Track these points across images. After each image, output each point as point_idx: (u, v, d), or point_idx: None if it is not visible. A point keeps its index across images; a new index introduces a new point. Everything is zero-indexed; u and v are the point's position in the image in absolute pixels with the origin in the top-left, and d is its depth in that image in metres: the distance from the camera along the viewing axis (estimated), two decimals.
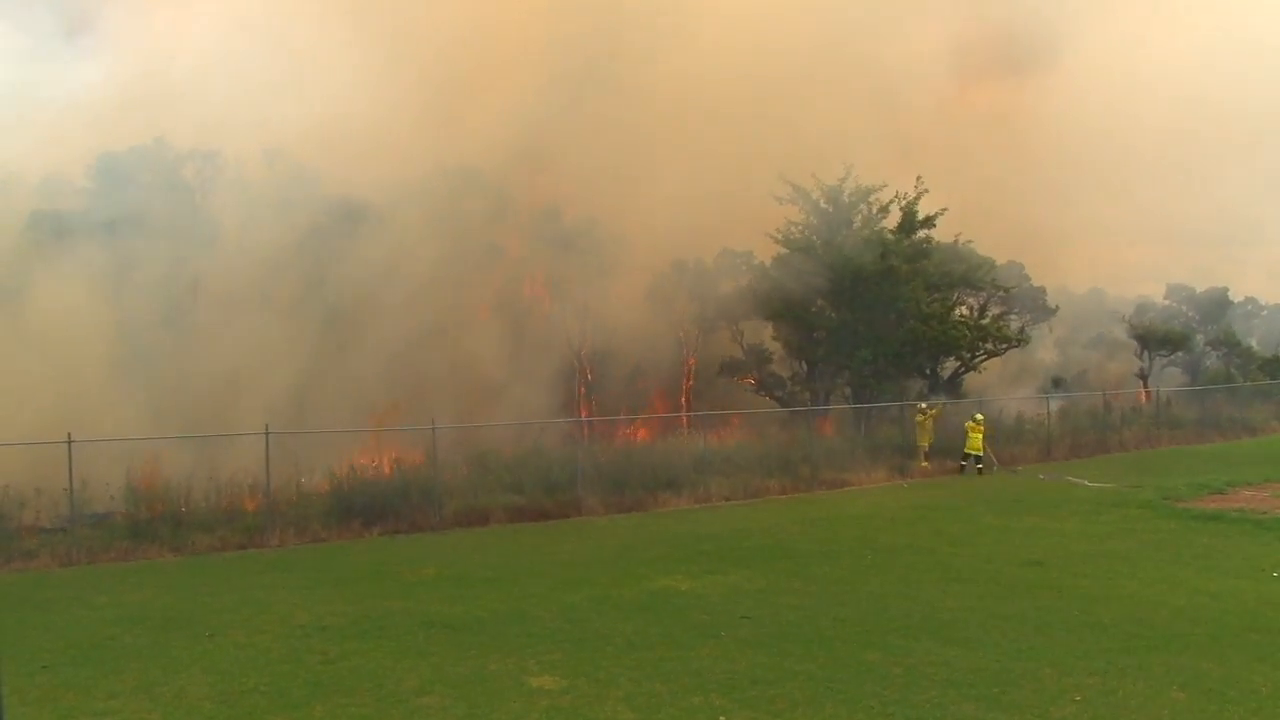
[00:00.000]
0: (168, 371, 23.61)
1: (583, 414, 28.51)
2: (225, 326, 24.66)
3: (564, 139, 32.76)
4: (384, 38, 32.81)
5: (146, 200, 25.55)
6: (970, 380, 34.79)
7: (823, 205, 31.60)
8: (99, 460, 18.21)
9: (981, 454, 27.87)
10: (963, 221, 32.63)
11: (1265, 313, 54.49)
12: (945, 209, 31.43)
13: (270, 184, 27.75)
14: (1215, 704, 8.59)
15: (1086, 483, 25.05)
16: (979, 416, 28.52)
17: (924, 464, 28.34)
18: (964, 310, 34.84)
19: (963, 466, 27.96)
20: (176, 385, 23.28)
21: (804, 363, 32.86)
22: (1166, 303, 48.04)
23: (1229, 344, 47.37)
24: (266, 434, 19.12)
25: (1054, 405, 35.91)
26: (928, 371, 33.14)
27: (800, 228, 31.82)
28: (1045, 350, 45.89)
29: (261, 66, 29.30)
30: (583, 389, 31.08)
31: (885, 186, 31.60)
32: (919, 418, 28.70)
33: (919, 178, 31.22)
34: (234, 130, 27.76)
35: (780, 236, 31.67)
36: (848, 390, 32.57)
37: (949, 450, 28.79)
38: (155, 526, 18.50)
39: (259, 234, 25.92)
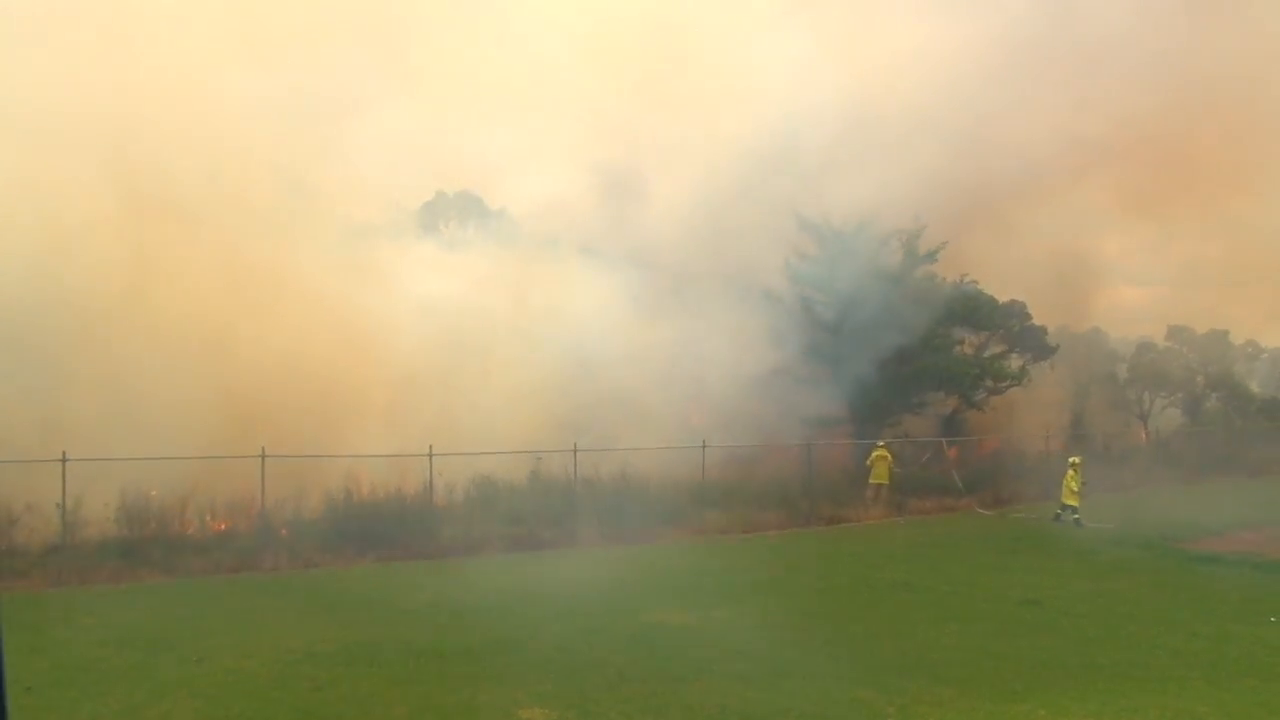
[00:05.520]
0: None
1: None
2: None
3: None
4: None
5: None
6: (974, 419, 34.68)
7: (829, 238, 31.77)
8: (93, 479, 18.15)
9: (1077, 505, 25.23)
10: (966, 260, 32.78)
11: (1266, 355, 54.48)
12: (946, 243, 31.59)
13: None
14: None
15: (1086, 522, 24.94)
16: (1075, 460, 26.05)
17: (870, 501, 27.62)
18: (965, 349, 34.88)
19: (1058, 515, 25.47)
20: None
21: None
22: (1167, 344, 48.02)
23: (1229, 386, 47.34)
24: (263, 457, 19.08)
25: (1054, 445, 35.90)
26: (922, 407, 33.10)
27: (808, 259, 32.04)
28: (1047, 390, 45.83)
29: None
30: None
31: (896, 235, 31.92)
32: (873, 455, 28.16)
33: (918, 215, 31.46)
34: None
35: (790, 267, 31.90)
36: (849, 427, 32.56)
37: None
38: (148, 548, 18.41)
39: None
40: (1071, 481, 25.28)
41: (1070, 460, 25.97)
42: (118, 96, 23.66)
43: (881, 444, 28.45)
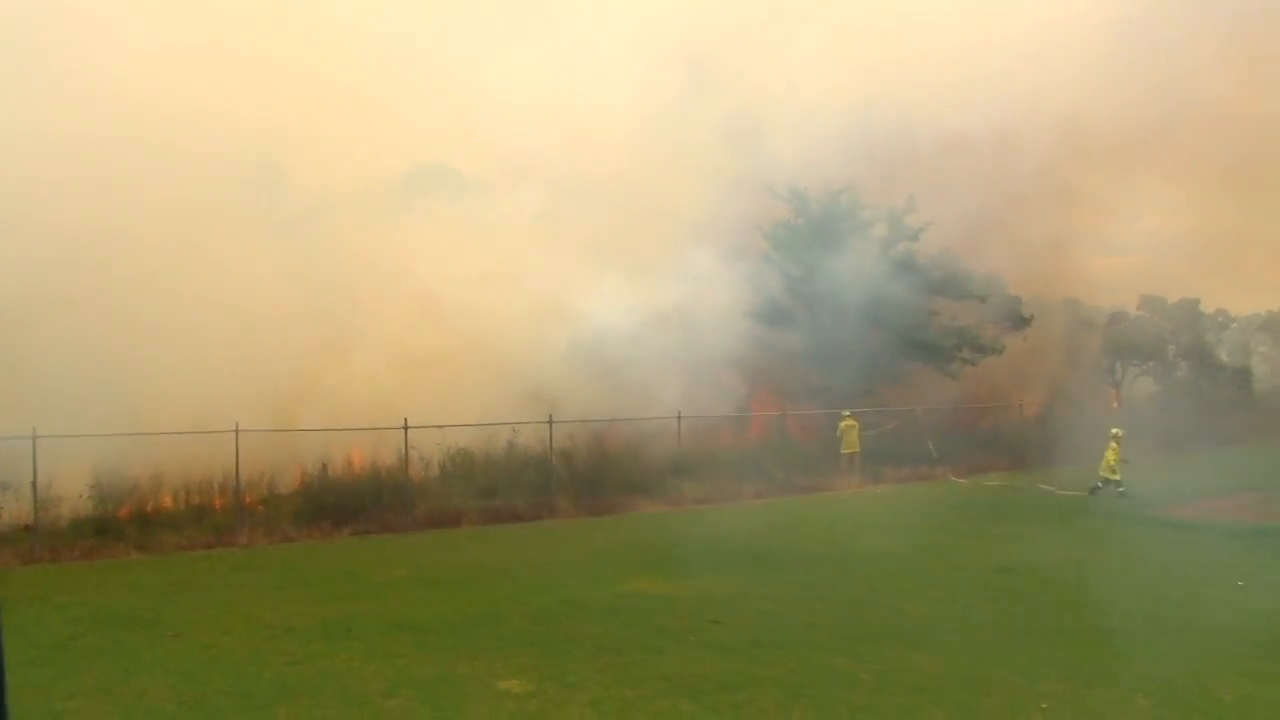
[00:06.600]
0: None
1: None
2: None
3: None
4: None
5: None
6: (949, 388, 34.84)
7: (814, 208, 31.85)
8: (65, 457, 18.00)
9: (1116, 478, 23.91)
10: (944, 230, 32.86)
11: (1235, 324, 54.98)
12: (931, 223, 31.77)
13: None
14: (1180, 711, 8.61)
15: (1057, 490, 25.18)
16: (1116, 432, 24.84)
17: (845, 469, 27.88)
18: (941, 320, 35.03)
19: (1095, 488, 24.15)
20: None
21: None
22: (1139, 313, 48.39)
23: (1200, 355, 47.79)
24: (236, 432, 18.96)
25: (1029, 414, 36.20)
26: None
27: (789, 228, 32.09)
28: (1021, 359, 46.09)
29: None
30: None
31: (875, 208, 32.10)
32: (841, 425, 28.43)
33: (911, 196, 31.66)
34: None
35: (769, 234, 31.93)
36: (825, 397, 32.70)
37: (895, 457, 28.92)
38: (121, 525, 18.30)
39: None
40: (1111, 455, 24.36)
41: (1112, 432, 24.98)
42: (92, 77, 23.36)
43: (848, 413, 28.63)
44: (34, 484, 17.26)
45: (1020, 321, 38.21)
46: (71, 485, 18.29)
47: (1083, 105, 36.45)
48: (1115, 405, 43.29)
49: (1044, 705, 8.72)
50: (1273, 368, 55.73)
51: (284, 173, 27.79)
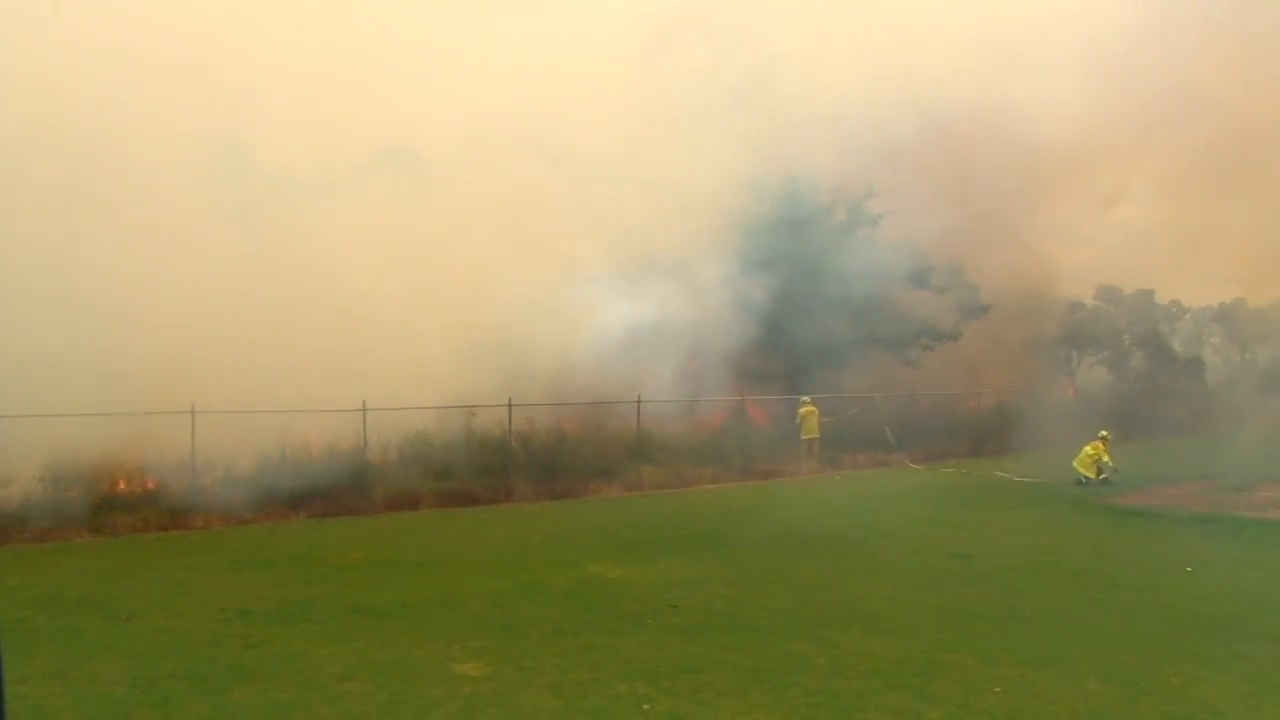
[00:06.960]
0: None
1: None
2: None
3: None
4: None
5: None
6: (906, 376, 35.12)
7: (773, 195, 31.96)
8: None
9: (1092, 476, 24.04)
10: (905, 218, 33.05)
11: (1189, 315, 55.79)
12: (891, 212, 31.97)
13: None
14: (1130, 694, 8.76)
15: (1014, 478, 25.48)
16: (1105, 434, 25.08)
17: (804, 455, 28.08)
18: (900, 307, 35.27)
19: (1105, 479, 23.96)
20: None
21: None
22: (1095, 303, 48.97)
23: (1154, 345, 48.45)
24: (192, 413, 18.74)
25: (986, 402, 36.59)
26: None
27: (752, 216, 32.19)
28: (979, 347, 46.49)
29: None
30: None
31: (835, 190, 32.30)
32: (801, 411, 28.62)
33: (870, 183, 31.85)
34: None
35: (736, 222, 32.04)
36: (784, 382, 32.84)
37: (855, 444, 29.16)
38: (74, 507, 18.02)
39: None
40: (1103, 454, 24.41)
41: (1101, 434, 25.02)
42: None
43: (808, 399, 28.78)
44: None
45: (978, 310, 38.58)
46: (23, 466, 17.95)
47: (1052, 98, 36.66)
48: (1070, 394, 43.81)
49: (998, 689, 8.84)
50: (1224, 358, 56.61)
51: (248, 151, 27.32)
